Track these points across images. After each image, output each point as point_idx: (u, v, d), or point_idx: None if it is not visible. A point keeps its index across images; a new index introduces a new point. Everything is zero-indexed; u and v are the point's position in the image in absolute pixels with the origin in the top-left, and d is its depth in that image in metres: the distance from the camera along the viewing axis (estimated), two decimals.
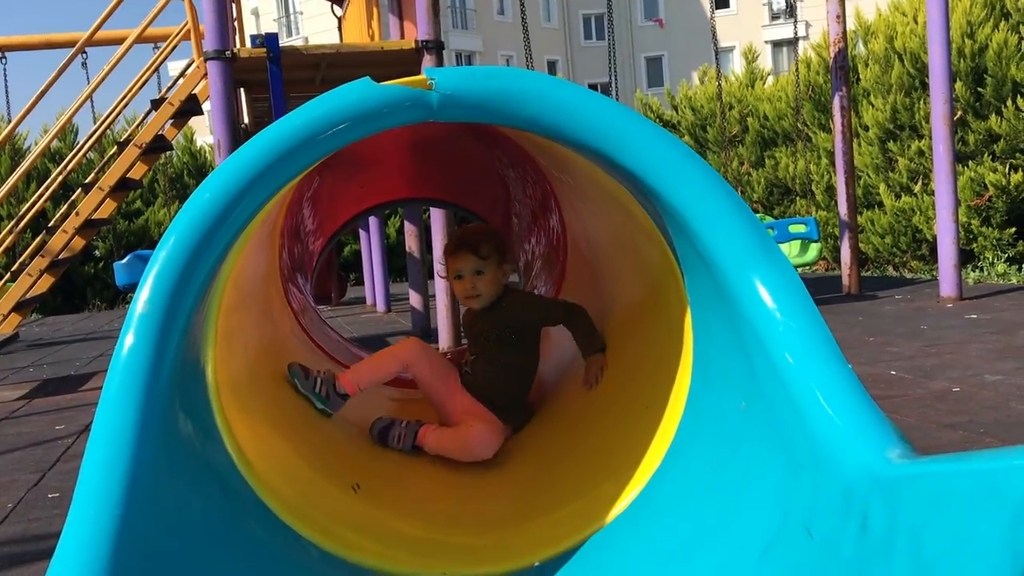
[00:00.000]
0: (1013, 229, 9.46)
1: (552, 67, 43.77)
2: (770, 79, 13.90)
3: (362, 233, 11.22)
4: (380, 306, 10.30)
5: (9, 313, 6.67)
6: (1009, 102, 9.39)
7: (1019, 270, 9.23)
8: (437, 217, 6.30)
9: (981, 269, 9.41)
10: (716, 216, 1.74)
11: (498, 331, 3.09)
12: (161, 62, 8.05)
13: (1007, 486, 1.11)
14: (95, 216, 7.09)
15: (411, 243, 7.99)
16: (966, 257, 9.46)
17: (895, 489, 1.29)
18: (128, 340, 1.55)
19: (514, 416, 3.03)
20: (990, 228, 9.53)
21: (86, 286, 15.00)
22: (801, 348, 1.62)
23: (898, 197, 10.56)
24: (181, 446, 1.65)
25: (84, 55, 7.95)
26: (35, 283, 6.83)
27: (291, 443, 2.49)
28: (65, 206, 7.99)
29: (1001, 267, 9.18)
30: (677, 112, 14.59)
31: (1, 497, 3.69)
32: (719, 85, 9.45)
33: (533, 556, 2.17)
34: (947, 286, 7.35)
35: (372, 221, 10.24)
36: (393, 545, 2.22)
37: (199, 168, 16.03)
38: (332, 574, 2.00)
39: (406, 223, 8.13)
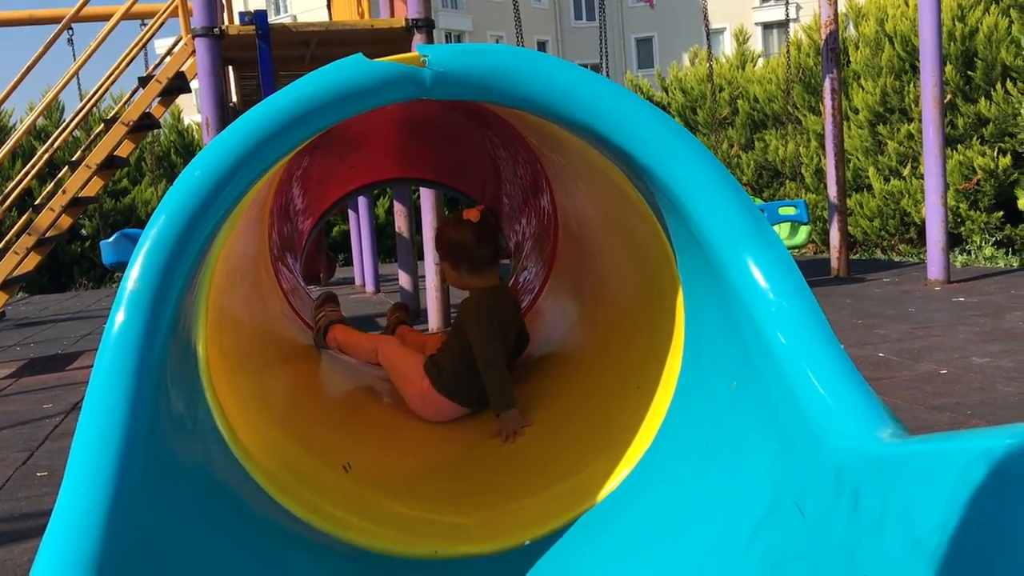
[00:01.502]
0: (1001, 213, 9.50)
1: (542, 47, 43.64)
2: (760, 61, 13.88)
3: (351, 213, 11.19)
4: (369, 286, 10.28)
5: None
6: (999, 86, 9.41)
7: (1006, 253, 9.28)
8: (427, 197, 6.28)
9: (969, 252, 9.46)
10: (709, 195, 1.73)
11: (455, 322, 3.21)
12: (148, 39, 7.98)
13: (997, 464, 1.12)
14: (82, 194, 7.03)
15: (400, 224, 7.97)
16: (954, 240, 9.50)
17: (887, 468, 1.30)
18: (119, 317, 1.54)
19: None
20: (978, 212, 9.57)
21: (73, 265, 14.93)
22: (793, 328, 1.62)
23: (887, 180, 10.58)
24: (173, 424, 1.64)
25: (70, 31, 7.86)
26: (22, 261, 6.78)
27: (281, 422, 2.49)
28: (51, 184, 7.92)
29: (988, 250, 9.23)
30: (667, 94, 14.55)
31: None
32: (710, 67, 9.43)
33: (523, 535, 2.18)
34: (935, 269, 7.39)
35: (361, 201, 10.20)
36: (383, 523, 2.22)
37: (186, 147, 15.93)
38: (323, 552, 2.00)
39: (396, 203, 8.11)
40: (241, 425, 2.10)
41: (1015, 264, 8.78)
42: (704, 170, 1.73)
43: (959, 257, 9.17)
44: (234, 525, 1.81)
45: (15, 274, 6.79)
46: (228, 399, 2.08)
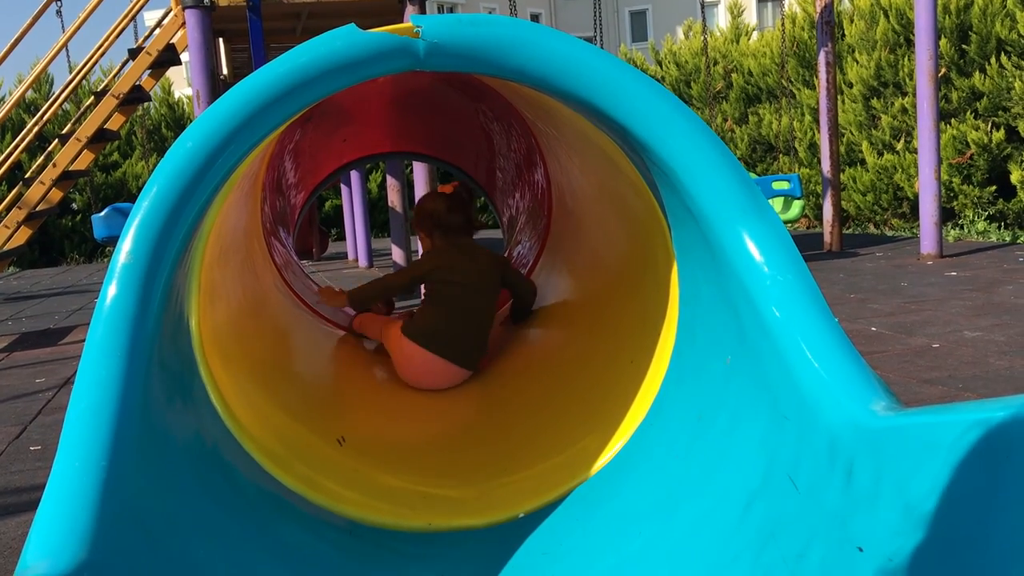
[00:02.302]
0: (994, 187, 9.51)
1: (536, 19, 43.31)
2: (755, 34, 13.81)
3: (344, 188, 11.15)
4: (362, 261, 10.26)
5: None
6: (993, 59, 9.38)
7: (999, 228, 9.29)
8: (420, 172, 6.26)
9: (961, 227, 9.48)
10: (705, 169, 1.72)
11: None
12: (138, 10, 7.88)
13: (990, 435, 1.12)
14: (72, 168, 6.99)
15: (393, 198, 7.94)
16: (946, 215, 9.51)
17: (881, 440, 1.30)
18: (111, 291, 1.53)
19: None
20: (971, 186, 9.57)
21: (64, 239, 14.87)
22: (788, 302, 1.62)
23: (880, 155, 10.57)
24: (166, 398, 1.64)
25: (59, 3, 7.77)
26: (12, 235, 6.74)
27: (275, 396, 2.49)
28: (41, 157, 7.86)
29: (981, 225, 9.24)
30: (661, 67, 14.48)
31: None
32: (704, 40, 9.38)
33: (517, 508, 2.19)
34: (928, 243, 7.40)
35: (354, 175, 10.17)
36: (377, 496, 2.23)
37: (177, 120, 15.82)
38: (317, 525, 2.01)
39: (388, 177, 8.07)
40: (234, 398, 2.09)
41: (1007, 239, 8.80)
42: (701, 144, 1.72)
43: (952, 232, 9.19)
44: (228, 498, 1.81)
45: (6, 248, 6.75)
46: (221, 372, 2.08)
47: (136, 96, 7.23)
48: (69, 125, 8.44)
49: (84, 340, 1.53)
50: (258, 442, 2.07)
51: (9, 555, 2.58)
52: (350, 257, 11.25)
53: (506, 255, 4.31)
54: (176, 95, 16.21)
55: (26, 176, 7.46)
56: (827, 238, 8.62)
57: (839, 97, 10.60)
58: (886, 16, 10.42)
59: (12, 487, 3.17)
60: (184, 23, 5.92)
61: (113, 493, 1.37)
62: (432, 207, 3.38)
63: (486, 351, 3.28)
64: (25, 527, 2.78)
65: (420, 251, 6.37)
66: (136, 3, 7.88)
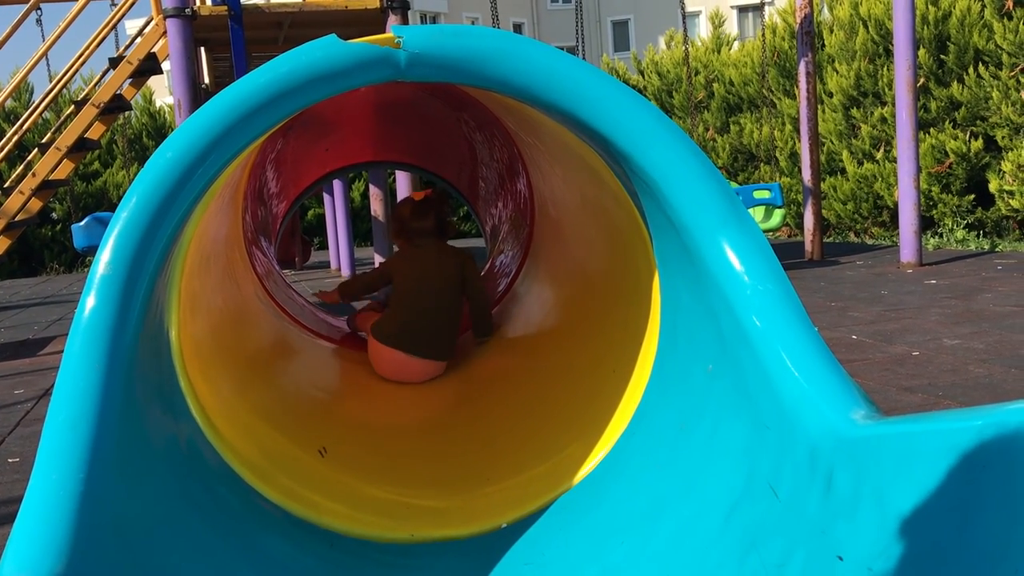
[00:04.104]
0: (972, 196, 9.59)
1: (518, 29, 43.40)
2: (736, 44, 13.89)
3: (326, 197, 11.12)
4: (345, 270, 10.23)
5: None
6: (971, 69, 9.47)
7: (977, 236, 9.37)
8: (402, 181, 6.25)
9: (940, 235, 9.55)
10: (686, 179, 1.73)
11: None
12: (119, 19, 7.85)
13: (968, 445, 1.13)
14: (52, 177, 6.94)
15: (376, 207, 7.93)
16: (926, 223, 9.59)
17: (860, 449, 1.31)
18: (89, 302, 1.52)
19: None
20: (950, 195, 9.65)
21: (43, 249, 14.74)
22: (769, 311, 1.63)
23: (860, 164, 10.64)
24: (146, 409, 1.63)
25: (39, 11, 7.73)
26: None
27: (255, 407, 2.48)
28: (21, 167, 7.81)
29: (960, 233, 9.32)
30: (643, 77, 14.54)
31: None
32: (685, 50, 9.42)
33: (500, 518, 2.18)
34: (907, 252, 7.45)
35: (336, 185, 10.14)
36: (360, 508, 2.22)
37: (158, 129, 15.74)
38: (300, 537, 2.00)
39: (371, 187, 8.06)
40: (215, 410, 2.08)
41: (986, 247, 8.88)
42: (682, 155, 1.73)
43: (931, 240, 9.26)
44: (209, 510, 1.80)
45: None
46: (201, 384, 2.07)
47: (117, 105, 7.19)
48: (49, 134, 8.38)
49: (62, 351, 1.51)
50: (239, 454, 2.06)
51: None
52: (333, 266, 11.21)
53: (488, 264, 4.31)
54: (157, 104, 16.13)
55: (5, 186, 7.41)
56: (808, 247, 8.67)
57: (819, 107, 10.67)
58: (865, 27, 10.51)
59: None
60: (165, 32, 5.89)
61: (92, 505, 1.36)
62: (400, 212, 3.58)
63: (455, 341, 3.45)
64: (3, 539, 2.75)
65: None
66: (117, 12, 7.85)
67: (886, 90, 10.24)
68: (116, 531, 1.41)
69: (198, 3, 7.14)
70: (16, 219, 6.89)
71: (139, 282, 1.57)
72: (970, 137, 9.54)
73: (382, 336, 3.30)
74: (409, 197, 3.65)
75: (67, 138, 6.92)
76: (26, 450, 3.73)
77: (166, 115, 15.90)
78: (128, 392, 1.53)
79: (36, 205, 7.01)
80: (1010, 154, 9.08)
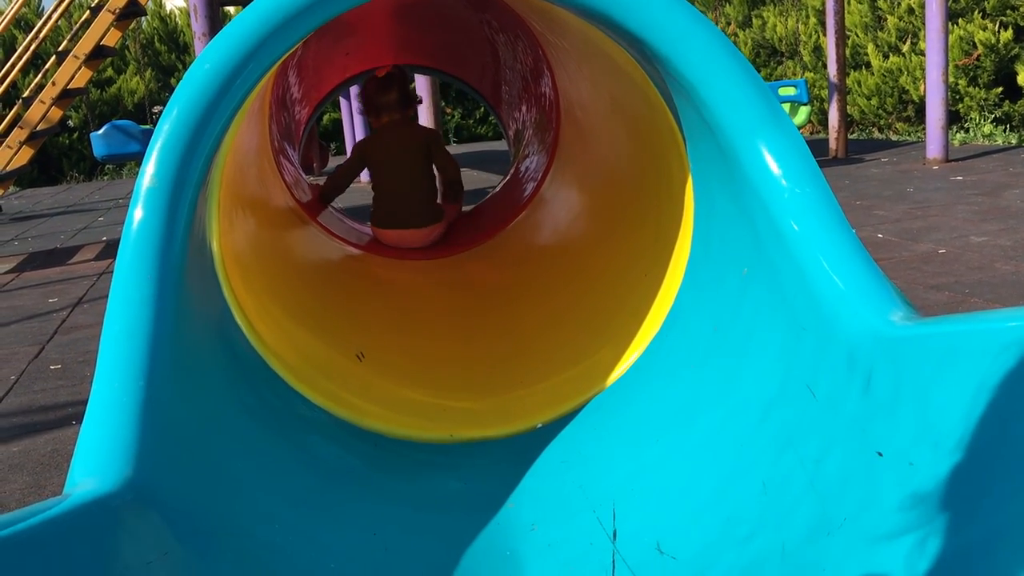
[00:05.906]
0: (1000, 89, 9.39)
1: None
2: None
3: (343, 101, 11.01)
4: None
5: None
6: None
7: (1005, 131, 9.21)
8: (422, 84, 6.18)
9: (967, 130, 9.39)
10: (724, 81, 1.72)
11: None
12: None
13: (1012, 347, 1.15)
14: (71, 85, 6.90)
15: None
16: (952, 118, 9.42)
17: (901, 349, 1.33)
18: (137, 214, 1.54)
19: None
20: (977, 88, 9.45)
21: (62, 157, 14.76)
22: (806, 215, 1.63)
23: (886, 57, 10.41)
24: (196, 318, 1.67)
25: None
26: (15, 155, 6.71)
27: (294, 314, 2.52)
28: (38, 76, 7.75)
29: (987, 128, 9.16)
30: None
31: (3, 369, 3.74)
32: None
33: (535, 419, 2.24)
34: (934, 148, 7.35)
35: (353, 90, 10.00)
36: (399, 409, 2.28)
37: (170, 34, 15.54)
38: (345, 438, 2.06)
39: None
40: (257, 317, 2.13)
41: (1013, 141, 8.74)
42: (719, 55, 1.71)
43: (957, 135, 9.11)
44: (260, 413, 1.86)
45: (9, 168, 6.72)
46: (243, 292, 2.10)
47: (132, 10, 7.09)
48: (65, 42, 8.30)
49: (91, 260, 1.55)
50: (282, 359, 2.11)
51: (40, 471, 2.65)
52: None
53: (513, 170, 4.30)
54: (168, 7, 15.88)
55: (24, 96, 7.38)
56: (832, 144, 8.56)
57: None
58: None
59: (36, 405, 3.24)
60: None
61: (152, 411, 1.41)
62: (365, 89, 3.84)
63: (436, 206, 3.75)
64: (55, 444, 2.86)
65: None
66: None
67: None
68: (176, 436, 1.47)
69: None
70: (38, 128, 6.89)
71: (184, 193, 1.59)
72: (999, 27, 9.29)
73: (376, 221, 3.71)
74: (373, 74, 3.88)
75: (84, 46, 6.86)
76: (66, 357, 3.83)
77: (177, 19, 15.67)
78: (179, 301, 1.56)
79: (56, 114, 7.00)
80: None
